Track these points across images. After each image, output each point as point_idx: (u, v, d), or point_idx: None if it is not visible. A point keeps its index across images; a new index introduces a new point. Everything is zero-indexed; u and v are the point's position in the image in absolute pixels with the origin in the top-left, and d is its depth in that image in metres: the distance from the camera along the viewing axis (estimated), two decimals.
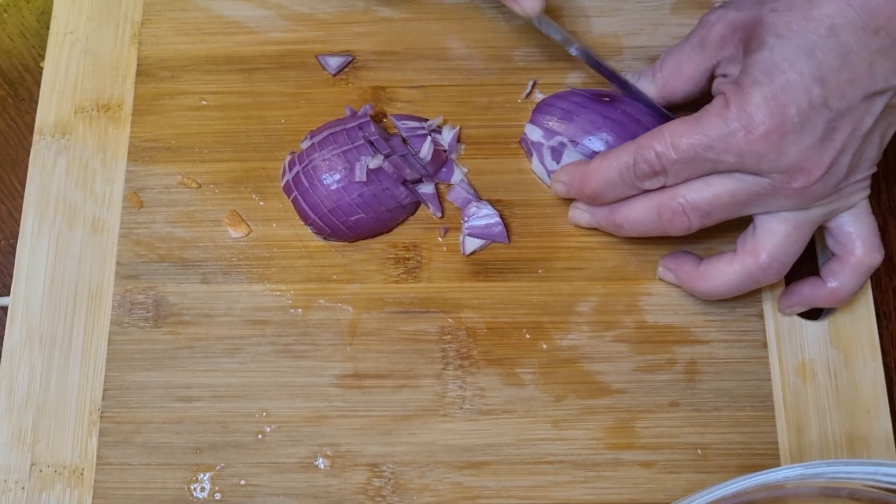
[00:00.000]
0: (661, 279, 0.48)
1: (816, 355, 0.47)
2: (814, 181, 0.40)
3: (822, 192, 0.40)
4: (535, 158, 0.49)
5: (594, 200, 0.45)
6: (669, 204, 0.42)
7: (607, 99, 0.48)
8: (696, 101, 0.46)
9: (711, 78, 0.45)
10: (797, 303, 0.46)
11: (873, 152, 0.41)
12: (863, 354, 0.47)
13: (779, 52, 0.39)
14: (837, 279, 0.44)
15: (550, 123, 0.48)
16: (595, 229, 0.48)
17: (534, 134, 0.49)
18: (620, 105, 0.47)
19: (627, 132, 0.46)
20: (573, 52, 0.47)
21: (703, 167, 0.41)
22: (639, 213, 0.44)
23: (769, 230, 0.42)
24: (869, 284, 0.48)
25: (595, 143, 0.47)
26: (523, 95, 0.51)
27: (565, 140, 0.47)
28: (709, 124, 0.40)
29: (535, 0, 0.44)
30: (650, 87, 0.47)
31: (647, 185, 0.43)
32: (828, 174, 0.40)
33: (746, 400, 0.46)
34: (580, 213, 0.48)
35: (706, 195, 0.41)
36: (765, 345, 0.47)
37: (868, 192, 0.43)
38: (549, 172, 0.48)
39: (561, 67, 0.52)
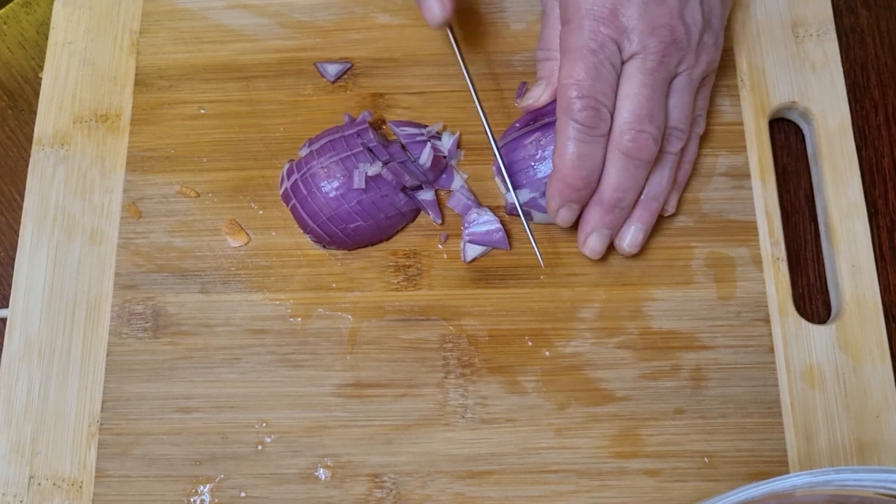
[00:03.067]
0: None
1: (824, 360, 0.46)
2: (676, 33, 0.44)
3: (688, 44, 0.44)
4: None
5: (588, 186, 0.45)
6: (622, 142, 0.44)
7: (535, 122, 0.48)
8: None
9: None
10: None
11: (718, 9, 0.46)
12: (871, 358, 0.46)
13: None
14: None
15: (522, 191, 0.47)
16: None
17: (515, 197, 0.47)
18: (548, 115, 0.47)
19: None
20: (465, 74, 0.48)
21: (610, 77, 0.44)
22: (615, 174, 0.45)
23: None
24: (877, 287, 0.47)
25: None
26: (517, 99, 0.51)
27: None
28: (573, 42, 0.44)
29: (437, 11, 0.45)
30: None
31: (603, 125, 0.44)
32: (684, 24, 0.44)
33: (753, 406, 0.45)
34: (593, 239, 0.47)
35: (634, 105, 0.44)
36: (771, 350, 0.46)
37: (715, 65, 0.47)
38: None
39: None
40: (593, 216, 0.46)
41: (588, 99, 0.43)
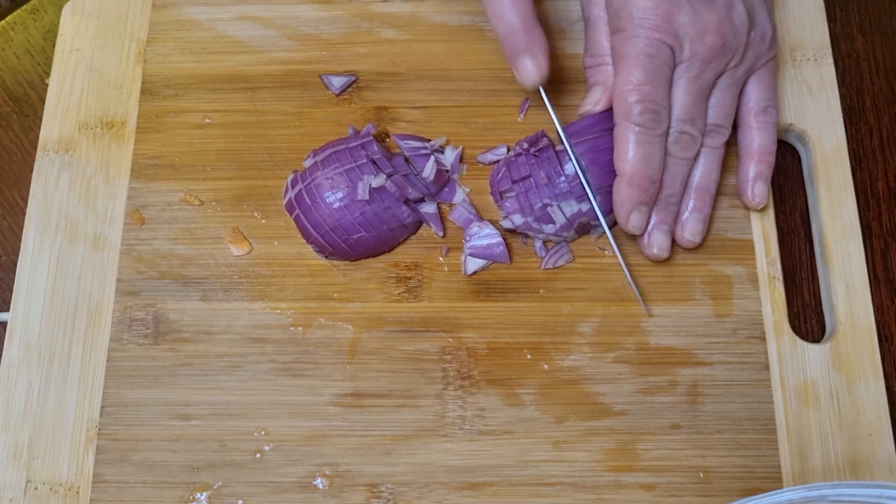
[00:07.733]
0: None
1: (819, 378, 0.47)
2: (725, 37, 0.46)
3: (735, 46, 0.46)
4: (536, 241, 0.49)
5: (654, 185, 0.46)
6: (672, 147, 0.46)
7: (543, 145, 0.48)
8: None
9: None
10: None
11: (759, 4, 0.47)
12: (865, 378, 0.46)
13: None
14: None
15: (514, 215, 0.48)
16: (593, 250, 0.49)
17: (514, 221, 0.48)
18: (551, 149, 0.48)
19: (600, 152, 0.47)
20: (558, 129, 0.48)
21: (666, 80, 0.46)
22: (670, 172, 0.47)
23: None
24: (871, 307, 0.48)
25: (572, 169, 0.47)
26: (521, 116, 0.52)
27: (544, 204, 0.47)
28: (629, 49, 0.45)
29: (533, 74, 0.47)
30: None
31: (662, 126, 0.45)
32: (733, 27, 0.46)
33: (748, 423, 0.46)
34: (656, 236, 0.48)
35: (678, 111, 0.46)
36: (767, 367, 0.47)
37: (766, 58, 0.48)
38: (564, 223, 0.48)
39: (563, 90, 0.52)
40: (662, 216, 0.47)
41: (648, 102, 0.45)
